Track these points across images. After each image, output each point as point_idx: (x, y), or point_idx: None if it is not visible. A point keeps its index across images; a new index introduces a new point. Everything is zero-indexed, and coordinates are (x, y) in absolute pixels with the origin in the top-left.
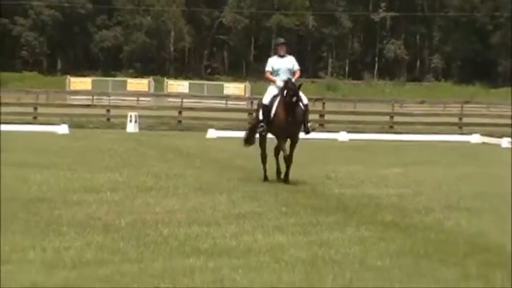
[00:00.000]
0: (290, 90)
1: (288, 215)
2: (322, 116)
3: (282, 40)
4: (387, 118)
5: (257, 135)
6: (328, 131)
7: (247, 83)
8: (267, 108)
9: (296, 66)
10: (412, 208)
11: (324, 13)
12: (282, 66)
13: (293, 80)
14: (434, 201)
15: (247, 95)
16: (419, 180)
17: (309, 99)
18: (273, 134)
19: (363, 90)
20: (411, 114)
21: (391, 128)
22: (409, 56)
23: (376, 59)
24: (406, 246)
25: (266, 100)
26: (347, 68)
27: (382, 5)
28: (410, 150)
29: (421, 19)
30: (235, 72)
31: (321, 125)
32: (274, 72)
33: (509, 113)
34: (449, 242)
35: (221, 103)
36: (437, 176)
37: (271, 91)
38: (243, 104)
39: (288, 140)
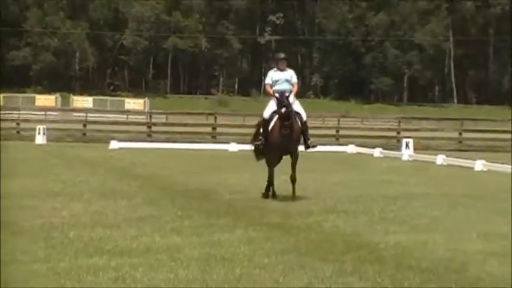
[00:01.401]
0: (279, 102)
1: (183, 218)
2: (214, 128)
3: (282, 55)
4: None
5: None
6: (220, 143)
7: (146, 99)
8: (266, 123)
9: (294, 79)
10: (295, 211)
11: (216, 36)
12: (281, 77)
13: (293, 92)
14: (314, 205)
15: (146, 110)
16: (301, 186)
17: (201, 114)
18: (268, 148)
19: (251, 106)
20: None
21: None
22: None
23: (262, 77)
24: (289, 245)
25: (266, 114)
26: (236, 86)
27: (268, 29)
28: None
29: (302, 42)
30: (135, 89)
31: (213, 137)
32: (274, 83)
33: (379, 127)
34: (328, 241)
35: (122, 117)
36: (317, 182)
37: (271, 105)
38: (142, 118)
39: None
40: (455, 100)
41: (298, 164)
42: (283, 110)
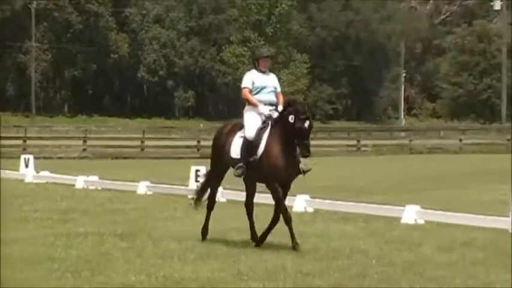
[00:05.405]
0: (301, 112)
1: None
2: None
3: (267, 52)
4: None
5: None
6: None
7: None
8: (251, 145)
9: (279, 88)
10: None
11: None
12: (267, 83)
13: (280, 106)
14: None
15: None
16: None
17: None
18: (264, 179)
19: None
20: None
21: None
22: None
23: None
24: None
25: (250, 134)
26: None
27: None
28: None
29: None
30: None
31: None
32: (257, 90)
33: None
34: None
35: None
36: None
37: (254, 121)
38: None
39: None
40: None
41: None
42: (306, 124)
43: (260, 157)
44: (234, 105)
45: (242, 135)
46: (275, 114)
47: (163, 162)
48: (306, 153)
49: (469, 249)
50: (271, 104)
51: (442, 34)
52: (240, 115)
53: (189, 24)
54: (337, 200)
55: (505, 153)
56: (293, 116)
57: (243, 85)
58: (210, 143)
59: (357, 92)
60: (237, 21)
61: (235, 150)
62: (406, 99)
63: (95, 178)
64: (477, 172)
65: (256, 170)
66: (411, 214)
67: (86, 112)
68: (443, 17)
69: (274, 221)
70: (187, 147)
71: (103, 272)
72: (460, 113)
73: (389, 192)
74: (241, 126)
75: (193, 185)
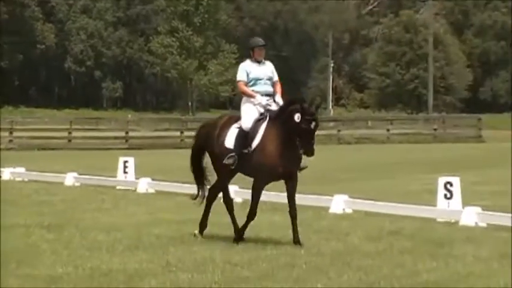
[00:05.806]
0: (308, 113)
1: None
2: None
3: (262, 41)
4: None
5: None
6: None
7: None
8: (247, 136)
9: (276, 77)
10: None
11: None
12: (262, 74)
13: (278, 94)
14: None
15: None
16: None
17: None
18: (254, 173)
19: None
20: None
21: None
22: None
23: None
24: None
25: (247, 125)
26: None
27: None
28: None
29: None
30: None
31: None
32: (251, 82)
33: None
34: None
35: None
36: None
37: (251, 112)
38: None
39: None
40: None
41: None
42: (312, 125)
43: (254, 150)
44: (162, 96)
45: (238, 126)
46: (273, 106)
47: (91, 154)
48: (310, 154)
49: (397, 239)
50: (267, 95)
51: (369, 24)
52: (170, 107)
53: (117, 14)
54: (265, 190)
55: (431, 143)
56: (299, 115)
57: (238, 78)
58: (139, 133)
59: (285, 82)
60: (164, 12)
61: (230, 140)
62: (334, 89)
63: (21, 169)
64: (404, 162)
65: (247, 163)
66: (339, 204)
67: (12, 103)
68: (370, 7)
69: (292, 216)
70: (116, 138)
71: (30, 264)
72: (387, 103)
73: (317, 182)
74: (237, 119)
75: (121, 176)
